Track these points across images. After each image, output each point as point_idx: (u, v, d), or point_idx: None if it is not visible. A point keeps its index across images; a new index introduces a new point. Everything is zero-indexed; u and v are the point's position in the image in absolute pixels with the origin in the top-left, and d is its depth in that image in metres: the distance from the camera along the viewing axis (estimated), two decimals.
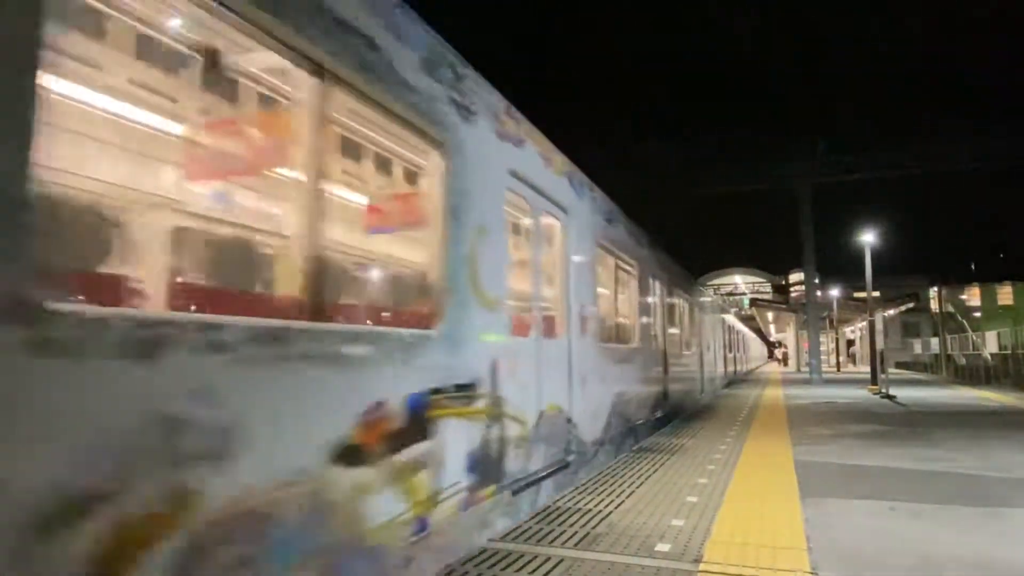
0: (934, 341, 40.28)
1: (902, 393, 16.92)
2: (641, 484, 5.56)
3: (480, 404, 3.92)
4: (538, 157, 5.25)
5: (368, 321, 4.32)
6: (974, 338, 37.79)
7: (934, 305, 45.80)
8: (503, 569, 3.42)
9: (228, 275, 3.70)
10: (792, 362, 49.18)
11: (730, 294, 61.02)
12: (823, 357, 28.81)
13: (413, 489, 3.17)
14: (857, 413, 12.31)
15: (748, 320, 47.51)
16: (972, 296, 59.09)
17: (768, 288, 65.40)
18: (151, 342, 1.87)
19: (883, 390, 16.51)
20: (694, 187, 30.14)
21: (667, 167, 29.20)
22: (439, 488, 3.41)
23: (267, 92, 3.33)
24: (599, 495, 5.17)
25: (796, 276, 52.18)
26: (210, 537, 2.02)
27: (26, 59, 1.62)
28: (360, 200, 4.74)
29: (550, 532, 4.11)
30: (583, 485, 5.54)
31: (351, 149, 4.52)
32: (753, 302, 54.59)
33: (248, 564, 2.17)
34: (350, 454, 2.70)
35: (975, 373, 25.37)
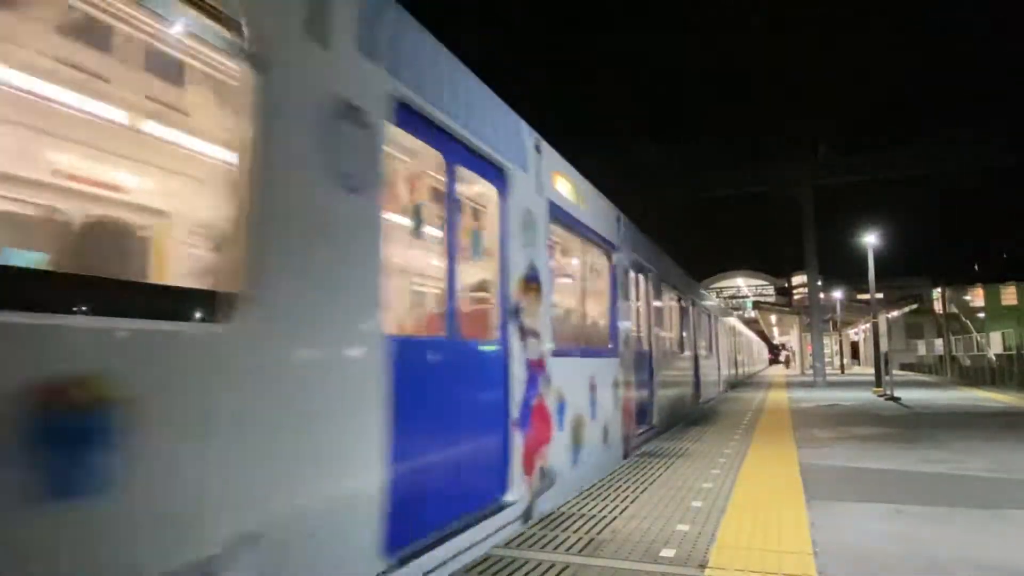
0: (938, 342, 40.19)
1: (907, 395, 16.83)
2: (645, 489, 5.52)
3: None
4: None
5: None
6: (978, 339, 37.66)
7: (938, 306, 45.77)
8: None
9: None
10: (796, 365, 49.11)
11: (733, 297, 60.90)
12: (827, 359, 28.73)
13: None
14: (862, 415, 12.24)
15: (751, 323, 47.49)
16: (976, 297, 58.83)
17: (771, 290, 65.22)
18: None
19: (888, 392, 16.44)
20: (695, 190, 30.16)
21: (668, 170, 29.23)
22: None
23: None
24: (602, 500, 5.13)
25: (799, 278, 51.99)
26: None
27: None
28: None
29: (554, 538, 4.07)
30: (586, 491, 5.50)
31: None
32: (756, 305, 54.54)
33: None
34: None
35: (980, 374, 25.26)
